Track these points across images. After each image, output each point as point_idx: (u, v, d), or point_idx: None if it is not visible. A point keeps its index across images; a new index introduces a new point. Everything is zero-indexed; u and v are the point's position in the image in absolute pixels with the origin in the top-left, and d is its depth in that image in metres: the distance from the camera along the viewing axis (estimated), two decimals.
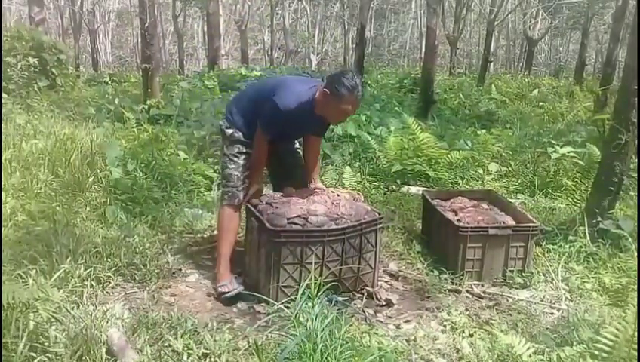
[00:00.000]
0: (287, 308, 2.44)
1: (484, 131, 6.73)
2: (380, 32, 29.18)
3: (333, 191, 3.14)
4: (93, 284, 2.84)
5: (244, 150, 3.08)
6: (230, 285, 2.94)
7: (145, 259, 3.20)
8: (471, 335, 2.62)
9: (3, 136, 4.48)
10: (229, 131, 3.08)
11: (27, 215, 3.34)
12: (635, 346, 2.03)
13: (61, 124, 5.67)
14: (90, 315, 2.40)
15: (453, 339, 2.60)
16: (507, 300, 3.03)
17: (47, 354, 2.12)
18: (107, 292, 2.88)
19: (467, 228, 3.22)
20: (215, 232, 3.90)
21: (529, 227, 3.25)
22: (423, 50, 12.98)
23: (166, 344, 2.37)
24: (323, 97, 2.83)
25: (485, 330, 2.67)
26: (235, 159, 3.07)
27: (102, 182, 4.15)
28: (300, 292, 2.24)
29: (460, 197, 3.83)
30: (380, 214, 3.05)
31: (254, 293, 2.85)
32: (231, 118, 3.11)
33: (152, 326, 2.49)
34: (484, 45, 14.29)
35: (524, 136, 6.72)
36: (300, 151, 3.33)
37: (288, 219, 2.80)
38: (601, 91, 7.36)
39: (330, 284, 2.45)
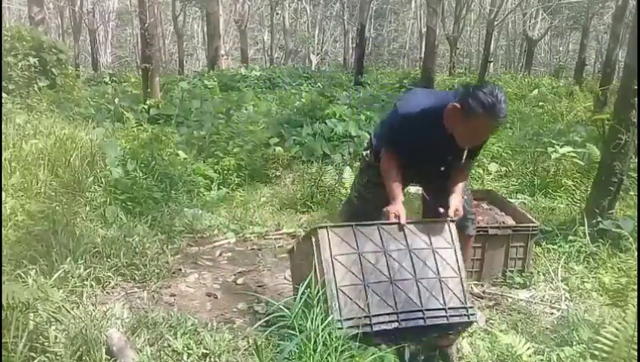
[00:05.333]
0: (288, 308, 2.44)
1: None
2: (380, 32, 29.21)
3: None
4: (93, 284, 2.84)
5: (374, 180, 2.64)
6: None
7: (145, 259, 3.20)
8: (471, 335, 2.62)
9: (3, 136, 4.47)
10: (364, 153, 2.78)
11: (27, 215, 3.33)
12: (635, 346, 2.03)
13: (61, 124, 5.65)
14: (90, 315, 2.40)
15: None
16: (507, 300, 3.03)
17: (47, 354, 2.12)
18: (107, 292, 2.88)
19: None
20: (216, 232, 3.93)
21: (529, 227, 3.24)
22: (423, 50, 12.99)
23: (166, 344, 2.37)
24: (452, 111, 2.27)
25: (485, 330, 2.67)
26: (361, 189, 2.77)
27: (102, 182, 4.15)
28: (300, 292, 2.24)
29: None
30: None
31: (254, 293, 2.85)
32: (372, 140, 2.73)
33: (152, 326, 2.48)
34: (484, 45, 14.26)
35: (524, 136, 6.71)
36: None
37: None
38: (601, 91, 7.34)
39: None
